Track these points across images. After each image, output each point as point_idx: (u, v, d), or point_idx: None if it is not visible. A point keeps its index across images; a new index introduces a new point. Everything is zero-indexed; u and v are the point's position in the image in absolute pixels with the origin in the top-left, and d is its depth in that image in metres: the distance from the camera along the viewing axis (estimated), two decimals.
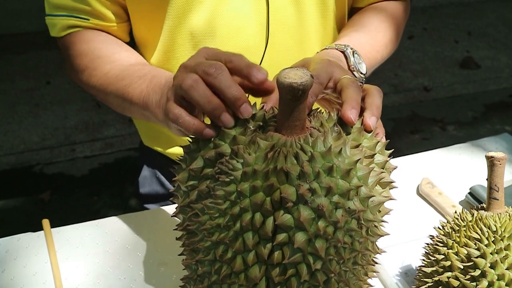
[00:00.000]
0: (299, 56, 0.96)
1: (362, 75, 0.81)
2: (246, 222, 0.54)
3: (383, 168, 0.59)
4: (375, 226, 0.58)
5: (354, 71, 0.81)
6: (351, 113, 0.59)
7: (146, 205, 1.15)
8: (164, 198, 1.12)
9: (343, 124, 0.60)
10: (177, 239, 0.66)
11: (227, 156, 0.56)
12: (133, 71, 0.84)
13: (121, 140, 2.97)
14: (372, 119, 0.61)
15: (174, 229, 0.66)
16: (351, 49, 0.82)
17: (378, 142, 0.60)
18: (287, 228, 0.53)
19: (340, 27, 1.05)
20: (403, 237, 0.87)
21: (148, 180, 1.15)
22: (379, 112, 0.63)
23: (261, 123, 0.59)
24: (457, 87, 3.67)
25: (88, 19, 0.92)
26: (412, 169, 1.07)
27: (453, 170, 1.07)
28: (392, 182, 0.60)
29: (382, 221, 0.59)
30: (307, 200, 0.53)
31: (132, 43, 1.07)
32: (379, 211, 0.58)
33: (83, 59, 0.93)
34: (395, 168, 0.62)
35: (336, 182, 0.53)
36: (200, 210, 0.57)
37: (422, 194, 0.98)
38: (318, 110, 0.63)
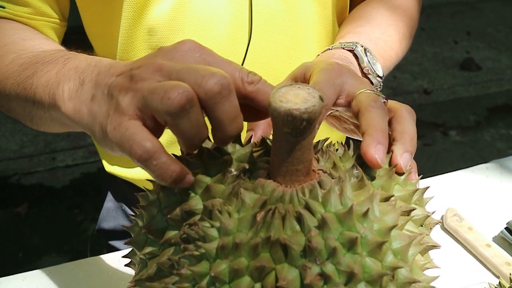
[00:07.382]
0: (291, 55, 0.77)
1: (379, 79, 0.64)
2: None
3: (422, 226, 0.42)
4: None
5: (369, 74, 0.63)
6: (376, 151, 0.41)
7: (112, 242, 0.96)
8: None
9: (364, 164, 0.42)
10: None
11: (197, 215, 0.38)
12: (43, 57, 0.58)
13: None
14: (405, 156, 0.43)
15: None
16: (362, 46, 0.64)
17: (417, 190, 0.43)
18: None
19: (340, 21, 0.87)
20: None
21: (112, 213, 0.96)
22: (414, 146, 0.45)
23: (246, 166, 0.40)
24: (458, 89, 3.53)
25: (4, 7, 0.71)
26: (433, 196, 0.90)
27: (481, 197, 0.90)
28: (435, 247, 0.42)
29: None
30: None
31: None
32: None
33: None
34: (437, 224, 0.45)
35: (362, 263, 0.36)
36: None
37: (448, 230, 0.81)
38: (327, 142, 0.46)
